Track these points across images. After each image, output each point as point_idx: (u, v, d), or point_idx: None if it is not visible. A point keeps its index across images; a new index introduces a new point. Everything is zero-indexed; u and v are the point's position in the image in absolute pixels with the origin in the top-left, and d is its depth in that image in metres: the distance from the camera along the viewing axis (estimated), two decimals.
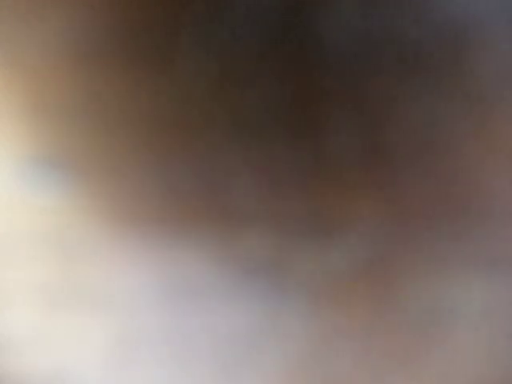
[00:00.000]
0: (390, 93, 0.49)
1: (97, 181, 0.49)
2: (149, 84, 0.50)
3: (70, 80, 0.50)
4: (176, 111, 0.50)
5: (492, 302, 0.49)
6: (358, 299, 0.49)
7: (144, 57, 0.50)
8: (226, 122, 0.49)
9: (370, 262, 0.49)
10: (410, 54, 0.49)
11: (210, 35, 0.50)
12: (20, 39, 0.50)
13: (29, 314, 0.49)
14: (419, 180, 0.49)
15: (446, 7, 0.49)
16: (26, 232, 0.49)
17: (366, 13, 0.49)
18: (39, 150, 0.49)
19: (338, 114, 0.49)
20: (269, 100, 0.49)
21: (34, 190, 0.49)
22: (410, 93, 0.49)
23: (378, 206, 0.49)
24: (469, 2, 0.49)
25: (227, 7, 0.50)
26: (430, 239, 0.49)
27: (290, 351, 0.49)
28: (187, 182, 0.49)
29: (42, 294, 0.49)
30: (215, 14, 0.50)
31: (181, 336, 0.49)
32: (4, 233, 0.49)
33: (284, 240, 0.49)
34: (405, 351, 0.49)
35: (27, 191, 0.49)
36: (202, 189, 0.49)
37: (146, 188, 0.49)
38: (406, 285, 0.49)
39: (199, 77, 0.49)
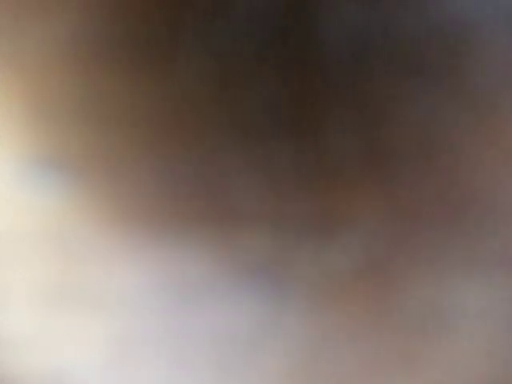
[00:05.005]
0: (390, 93, 0.49)
1: (97, 181, 0.49)
2: (149, 84, 0.50)
3: (70, 80, 0.50)
4: (176, 111, 0.50)
5: (492, 302, 0.49)
6: (358, 299, 0.49)
7: (144, 57, 0.50)
8: (226, 122, 0.49)
9: (370, 262, 0.49)
10: (409, 53, 0.49)
11: (210, 35, 0.50)
12: (20, 40, 0.50)
13: (29, 313, 0.49)
14: (419, 180, 0.49)
15: (446, 7, 0.50)
16: (26, 232, 0.49)
17: (365, 13, 0.50)
18: (39, 150, 0.49)
19: (338, 114, 0.49)
20: (269, 100, 0.49)
21: (34, 190, 0.49)
22: (409, 93, 0.49)
23: (378, 205, 0.49)
24: (469, 2, 0.50)
25: (227, 8, 0.50)
26: (430, 239, 0.49)
27: (290, 351, 0.49)
28: (187, 182, 0.49)
29: (42, 293, 0.49)
30: (216, 14, 0.50)
31: (181, 336, 0.49)
32: (4, 232, 0.49)
33: (284, 240, 0.49)
34: (405, 351, 0.49)
35: (27, 191, 0.49)
36: (202, 189, 0.49)
37: (146, 188, 0.49)
38: (406, 284, 0.49)
39: (199, 77, 0.49)
